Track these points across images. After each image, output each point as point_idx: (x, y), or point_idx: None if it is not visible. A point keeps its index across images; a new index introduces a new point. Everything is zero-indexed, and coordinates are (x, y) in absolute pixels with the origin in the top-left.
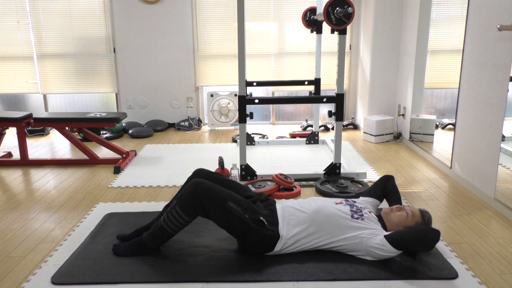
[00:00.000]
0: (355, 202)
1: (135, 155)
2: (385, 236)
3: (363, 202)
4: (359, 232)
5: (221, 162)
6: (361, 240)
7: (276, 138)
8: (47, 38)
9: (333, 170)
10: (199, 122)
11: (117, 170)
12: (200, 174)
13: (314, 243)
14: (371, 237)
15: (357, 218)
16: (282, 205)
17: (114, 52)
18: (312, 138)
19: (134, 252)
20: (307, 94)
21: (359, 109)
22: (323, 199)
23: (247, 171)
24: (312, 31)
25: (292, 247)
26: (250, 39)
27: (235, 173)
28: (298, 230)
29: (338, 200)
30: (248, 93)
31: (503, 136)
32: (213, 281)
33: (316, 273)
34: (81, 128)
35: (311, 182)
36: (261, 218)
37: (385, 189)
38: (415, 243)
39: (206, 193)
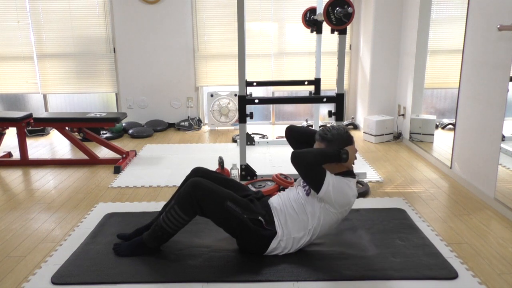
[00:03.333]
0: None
1: (135, 155)
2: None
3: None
4: (317, 205)
5: (221, 162)
6: (322, 208)
7: (276, 138)
8: (47, 38)
9: None
10: (199, 122)
11: (117, 170)
12: (198, 172)
13: (309, 239)
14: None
15: (309, 194)
16: (272, 204)
17: (114, 52)
18: None
19: (134, 252)
20: (307, 94)
21: (359, 109)
22: (294, 195)
23: (247, 171)
24: (312, 31)
25: (289, 246)
26: (250, 39)
27: (235, 173)
28: (300, 236)
29: (298, 188)
30: (248, 93)
31: (503, 136)
32: (213, 281)
33: (316, 273)
34: (81, 128)
35: None
36: (260, 218)
37: (296, 139)
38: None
39: (205, 193)
